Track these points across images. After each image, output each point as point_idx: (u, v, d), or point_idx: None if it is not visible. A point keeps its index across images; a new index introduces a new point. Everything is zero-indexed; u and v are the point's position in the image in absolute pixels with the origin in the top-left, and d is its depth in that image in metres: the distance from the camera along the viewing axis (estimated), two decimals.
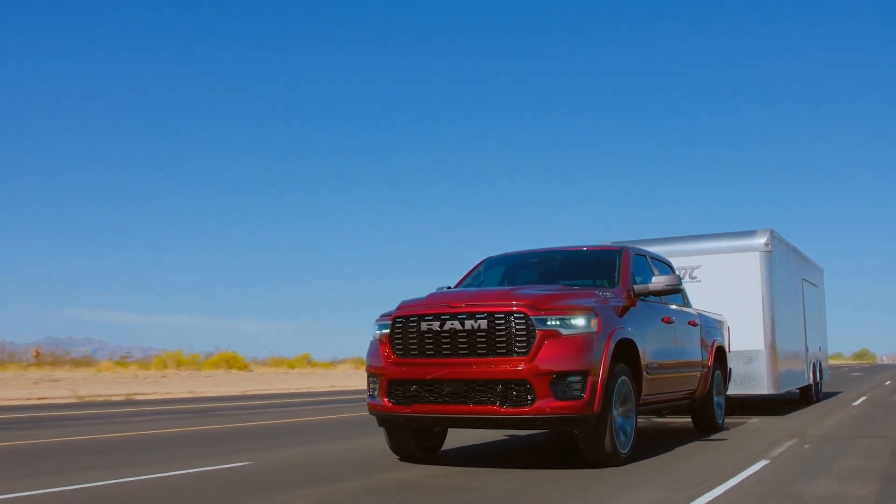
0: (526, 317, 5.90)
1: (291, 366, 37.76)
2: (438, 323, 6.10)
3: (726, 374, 9.89)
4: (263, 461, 6.82)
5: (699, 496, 4.91)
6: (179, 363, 30.96)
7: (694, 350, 8.49)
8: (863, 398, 16.19)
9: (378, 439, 7.48)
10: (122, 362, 30.56)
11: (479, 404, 5.93)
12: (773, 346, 11.47)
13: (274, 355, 39.06)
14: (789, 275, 13.27)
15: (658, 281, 7.32)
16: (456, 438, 8.15)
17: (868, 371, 46.92)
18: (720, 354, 9.48)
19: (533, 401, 5.80)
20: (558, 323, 5.94)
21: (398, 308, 6.48)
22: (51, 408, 15.20)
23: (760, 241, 11.60)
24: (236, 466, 6.50)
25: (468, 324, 5.99)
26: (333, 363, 41.50)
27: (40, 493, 5.21)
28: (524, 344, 5.86)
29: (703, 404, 8.91)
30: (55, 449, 7.98)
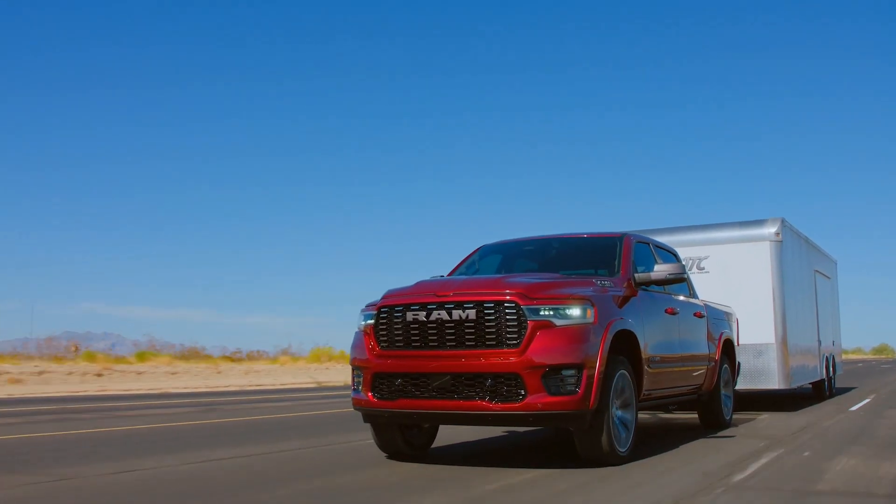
0: (517, 306, 5.53)
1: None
2: (425, 313, 5.74)
3: (735, 369, 9.48)
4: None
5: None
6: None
7: (700, 343, 8.10)
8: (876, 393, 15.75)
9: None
10: (233, 357, 30.71)
11: (468, 399, 5.56)
12: (783, 340, 11.06)
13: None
14: (801, 266, 12.85)
15: (661, 269, 6.93)
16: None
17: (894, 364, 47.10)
18: (728, 347, 9.08)
19: (524, 396, 5.43)
20: (552, 313, 5.57)
21: (383, 297, 6.12)
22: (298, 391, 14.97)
23: (771, 230, 11.18)
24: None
25: (456, 314, 5.62)
26: None
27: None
28: (515, 335, 5.49)
29: (710, 400, 8.52)
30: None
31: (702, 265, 11.39)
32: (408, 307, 5.83)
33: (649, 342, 6.53)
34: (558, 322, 5.54)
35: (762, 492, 4.83)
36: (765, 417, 10.11)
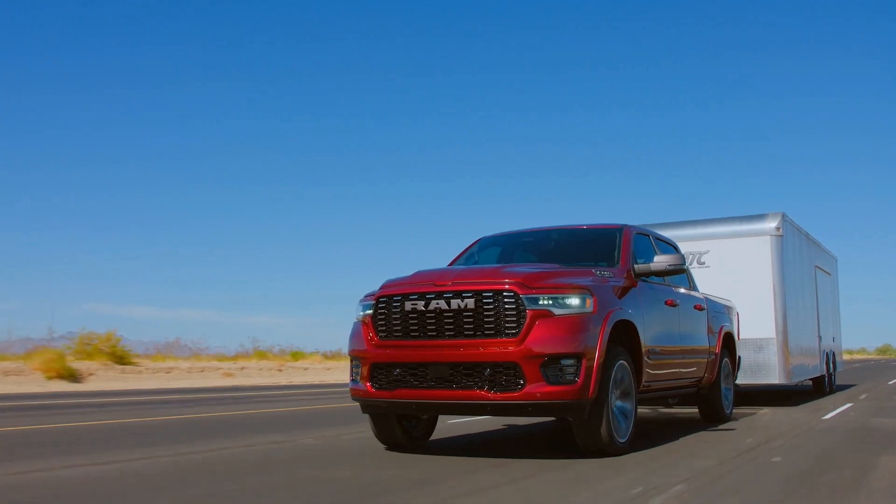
0: (516, 295, 5.50)
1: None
2: (423, 302, 5.70)
3: (735, 362, 9.44)
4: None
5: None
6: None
7: (700, 335, 8.06)
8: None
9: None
10: (264, 353, 30.63)
11: (466, 389, 5.53)
12: (784, 335, 11.03)
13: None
14: (802, 261, 12.81)
15: (660, 260, 6.89)
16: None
17: None
18: (728, 341, 9.04)
19: (523, 385, 5.39)
20: (551, 302, 5.53)
21: (382, 287, 6.09)
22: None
23: (771, 224, 11.15)
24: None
25: (454, 303, 5.59)
26: None
27: None
28: (514, 324, 5.45)
29: (710, 393, 8.48)
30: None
31: (702, 259, 11.36)
32: (406, 297, 5.80)
33: (649, 333, 6.49)
34: (557, 311, 5.51)
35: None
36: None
